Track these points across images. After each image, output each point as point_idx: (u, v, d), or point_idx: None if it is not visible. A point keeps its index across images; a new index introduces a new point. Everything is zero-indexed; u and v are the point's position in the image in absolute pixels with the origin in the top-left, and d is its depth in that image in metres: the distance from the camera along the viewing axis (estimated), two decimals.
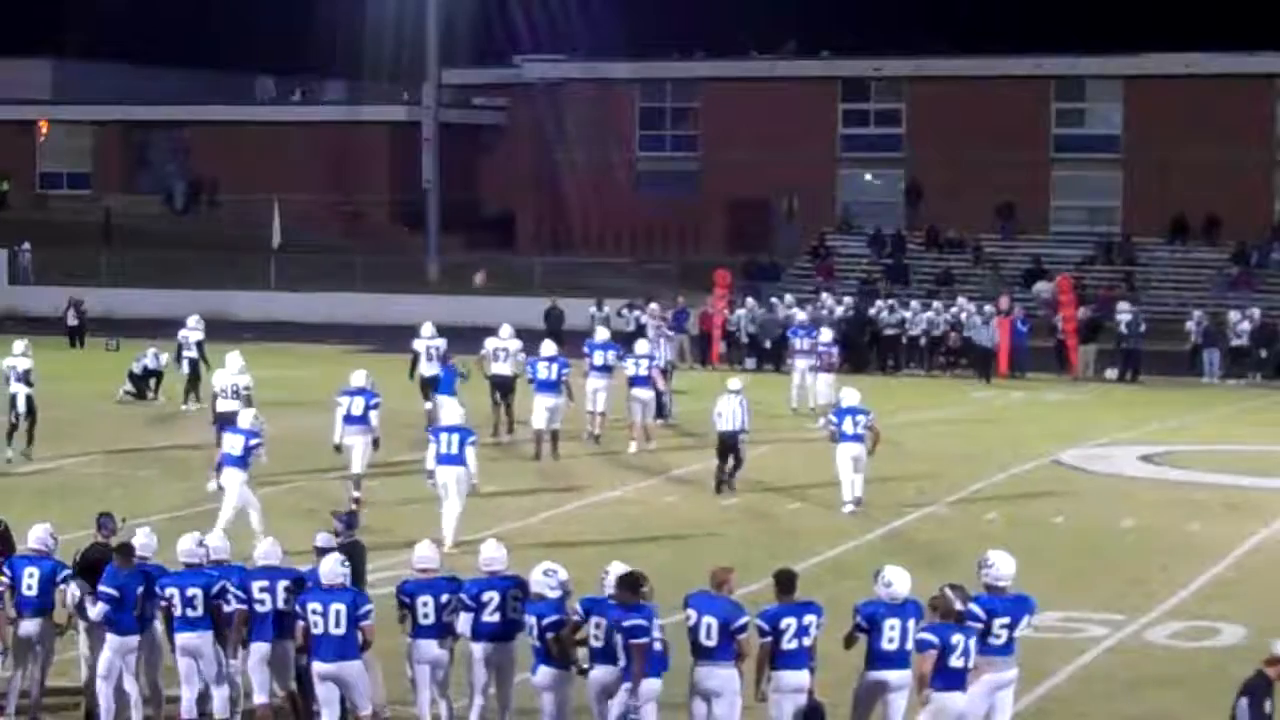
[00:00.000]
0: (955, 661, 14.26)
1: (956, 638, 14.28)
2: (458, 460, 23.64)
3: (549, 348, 31.96)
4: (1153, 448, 33.58)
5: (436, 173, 67.27)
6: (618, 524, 25.68)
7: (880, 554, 22.06)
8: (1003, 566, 14.88)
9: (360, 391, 26.84)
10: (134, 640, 15.89)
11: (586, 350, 33.59)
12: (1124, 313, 46.94)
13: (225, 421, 27.43)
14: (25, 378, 30.71)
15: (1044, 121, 68.80)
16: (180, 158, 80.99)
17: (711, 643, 14.58)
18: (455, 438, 23.82)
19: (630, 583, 14.72)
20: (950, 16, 76.02)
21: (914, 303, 49.53)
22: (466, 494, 23.80)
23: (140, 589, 15.84)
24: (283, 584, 15.71)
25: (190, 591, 15.73)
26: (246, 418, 24.53)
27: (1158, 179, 64.75)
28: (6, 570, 16.49)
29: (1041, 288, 58.14)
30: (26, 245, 66.57)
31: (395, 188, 75.39)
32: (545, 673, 15.03)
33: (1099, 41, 69.79)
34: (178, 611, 15.75)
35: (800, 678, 14.63)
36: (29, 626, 16.34)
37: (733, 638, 14.61)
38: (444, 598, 15.57)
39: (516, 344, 33.34)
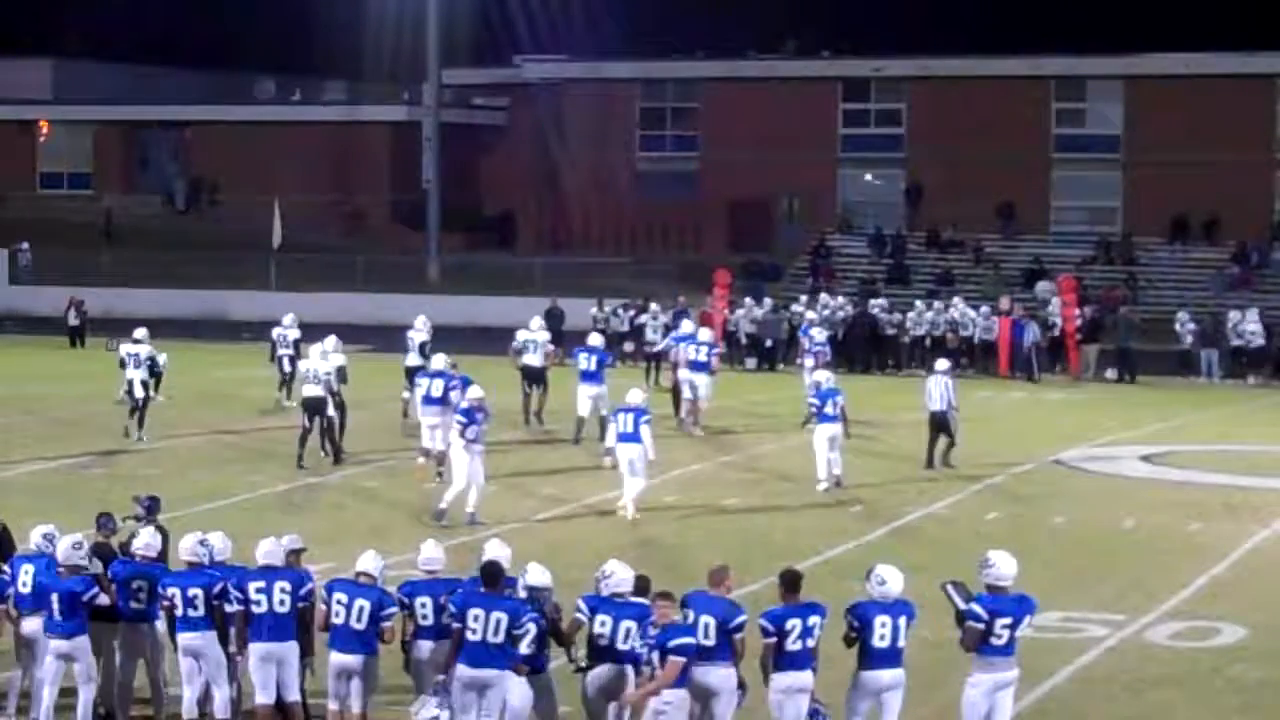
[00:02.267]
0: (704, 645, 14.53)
1: (690, 638, 14.39)
2: (634, 438, 25.53)
3: (594, 339, 34.16)
4: (1153, 448, 33.60)
5: (436, 173, 67.28)
6: (618, 524, 25.69)
7: (881, 554, 22.05)
8: (1004, 567, 14.87)
9: (440, 374, 28.91)
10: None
11: (673, 343, 35.51)
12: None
13: (310, 406, 29.92)
14: (148, 362, 33.39)
15: (1044, 121, 68.80)
16: (180, 158, 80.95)
17: (710, 642, 14.59)
18: (631, 417, 25.77)
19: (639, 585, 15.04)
20: (951, 16, 76.01)
21: (918, 303, 49.54)
22: (645, 468, 25.69)
23: None
24: (280, 585, 15.66)
25: (191, 591, 15.71)
26: (457, 395, 26.88)
27: (1158, 179, 64.75)
28: (6, 569, 16.54)
29: (1042, 288, 58.13)
30: (25, 245, 66.54)
31: (395, 188, 75.37)
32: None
33: (1099, 41, 69.79)
34: (179, 611, 15.74)
35: (804, 678, 14.65)
36: (29, 626, 16.37)
37: (730, 637, 14.64)
38: (442, 599, 15.55)
39: (545, 335, 34.99)
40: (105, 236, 71.24)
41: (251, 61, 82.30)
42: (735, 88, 71.50)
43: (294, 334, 37.55)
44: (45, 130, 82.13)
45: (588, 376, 32.59)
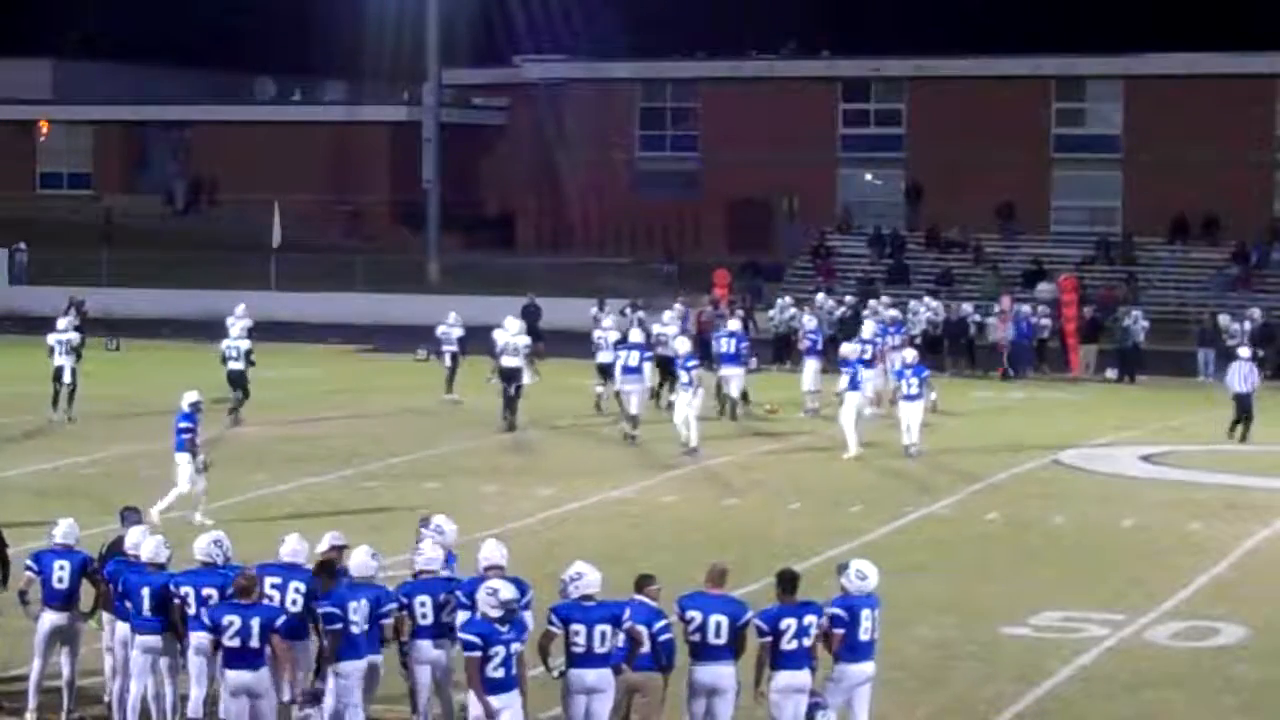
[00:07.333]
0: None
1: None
2: (919, 397, 31.26)
3: (733, 324, 37.31)
4: (1153, 448, 33.58)
5: (436, 173, 67.26)
6: (618, 524, 25.69)
7: (881, 553, 22.05)
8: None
9: (635, 345, 32.80)
10: None
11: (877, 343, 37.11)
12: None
13: (508, 375, 33.57)
14: (246, 356, 35.35)
15: (1044, 121, 68.77)
16: (180, 158, 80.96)
17: (721, 641, 14.62)
18: (914, 377, 31.23)
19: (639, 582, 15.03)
20: (950, 16, 75.99)
21: (911, 302, 49.45)
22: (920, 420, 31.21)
23: None
24: (294, 585, 15.62)
25: (205, 591, 15.63)
26: (684, 345, 32.51)
27: (1158, 179, 64.73)
28: (34, 564, 16.59)
29: (1043, 288, 58.09)
30: (22, 245, 66.50)
31: (395, 188, 75.37)
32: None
33: (1099, 41, 69.79)
34: (191, 610, 15.66)
35: (802, 678, 14.65)
36: (57, 619, 16.40)
37: (737, 635, 14.68)
38: (441, 598, 15.54)
39: (675, 328, 38.32)
40: (105, 236, 71.22)
41: (251, 61, 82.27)
42: (735, 88, 71.50)
43: (458, 332, 38.88)
44: (45, 130, 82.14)
45: (728, 359, 35.51)
